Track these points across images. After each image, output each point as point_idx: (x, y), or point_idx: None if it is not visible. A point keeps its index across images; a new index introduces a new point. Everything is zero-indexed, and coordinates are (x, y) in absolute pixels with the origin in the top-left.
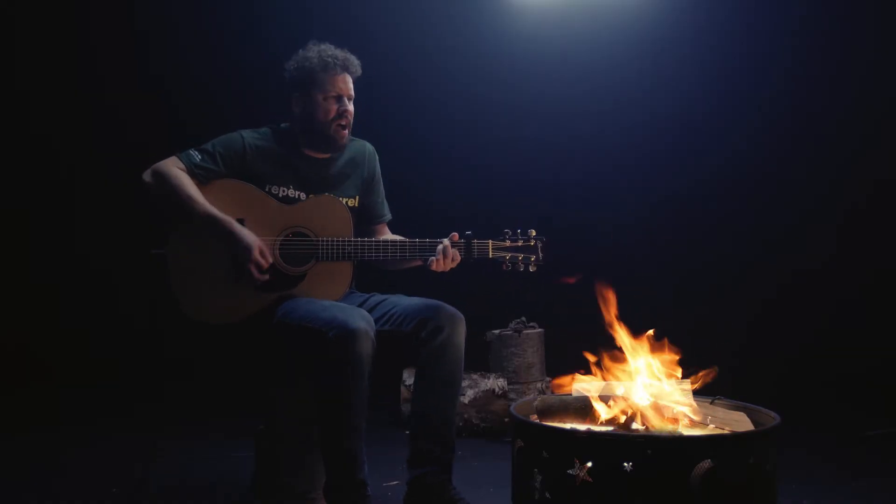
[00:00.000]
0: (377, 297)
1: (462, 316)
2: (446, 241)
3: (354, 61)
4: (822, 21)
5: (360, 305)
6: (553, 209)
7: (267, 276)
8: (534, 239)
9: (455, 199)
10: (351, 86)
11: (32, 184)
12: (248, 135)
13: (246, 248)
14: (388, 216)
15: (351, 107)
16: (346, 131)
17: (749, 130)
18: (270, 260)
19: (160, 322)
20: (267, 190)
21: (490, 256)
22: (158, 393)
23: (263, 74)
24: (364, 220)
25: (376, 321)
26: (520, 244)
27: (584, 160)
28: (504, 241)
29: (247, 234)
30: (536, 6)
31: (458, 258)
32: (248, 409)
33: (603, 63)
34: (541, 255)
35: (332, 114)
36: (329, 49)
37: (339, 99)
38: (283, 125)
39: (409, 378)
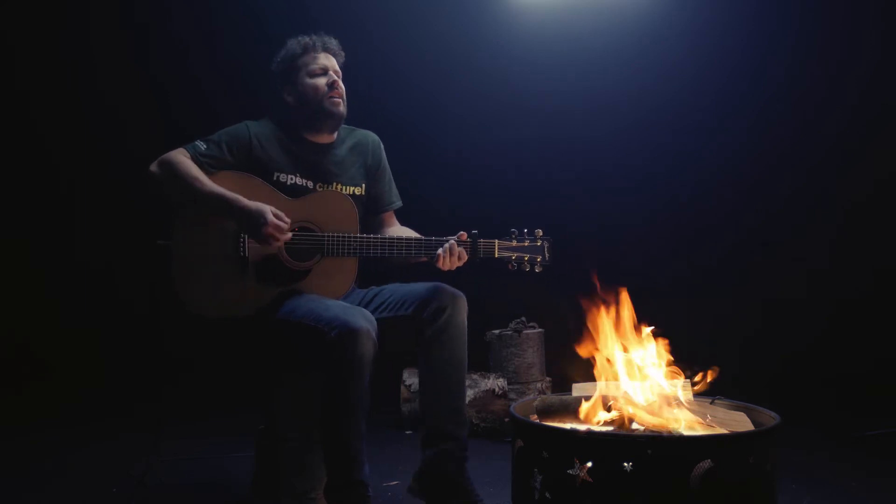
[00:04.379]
0: (374, 290)
1: (463, 295)
2: (453, 240)
3: (333, 41)
4: (822, 21)
5: (361, 301)
6: (553, 209)
7: (290, 235)
8: (540, 239)
9: (459, 197)
10: (335, 63)
11: (32, 183)
12: (252, 124)
13: (259, 213)
14: (398, 203)
15: (340, 82)
16: (341, 102)
17: (749, 130)
18: (289, 220)
19: (161, 321)
20: (275, 178)
21: (496, 256)
22: (158, 393)
23: (264, 75)
24: (372, 209)
25: (374, 311)
26: (526, 244)
27: (584, 160)
28: (510, 240)
29: (256, 203)
30: (537, 6)
31: (465, 257)
32: (248, 408)
33: (604, 63)
34: (547, 255)
35: (322, 88)
36: (305, 36)
37: (325, 73)
38: (282, 118)
39: (409, 378)
